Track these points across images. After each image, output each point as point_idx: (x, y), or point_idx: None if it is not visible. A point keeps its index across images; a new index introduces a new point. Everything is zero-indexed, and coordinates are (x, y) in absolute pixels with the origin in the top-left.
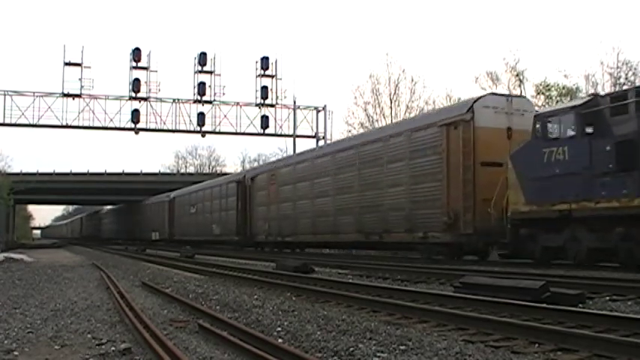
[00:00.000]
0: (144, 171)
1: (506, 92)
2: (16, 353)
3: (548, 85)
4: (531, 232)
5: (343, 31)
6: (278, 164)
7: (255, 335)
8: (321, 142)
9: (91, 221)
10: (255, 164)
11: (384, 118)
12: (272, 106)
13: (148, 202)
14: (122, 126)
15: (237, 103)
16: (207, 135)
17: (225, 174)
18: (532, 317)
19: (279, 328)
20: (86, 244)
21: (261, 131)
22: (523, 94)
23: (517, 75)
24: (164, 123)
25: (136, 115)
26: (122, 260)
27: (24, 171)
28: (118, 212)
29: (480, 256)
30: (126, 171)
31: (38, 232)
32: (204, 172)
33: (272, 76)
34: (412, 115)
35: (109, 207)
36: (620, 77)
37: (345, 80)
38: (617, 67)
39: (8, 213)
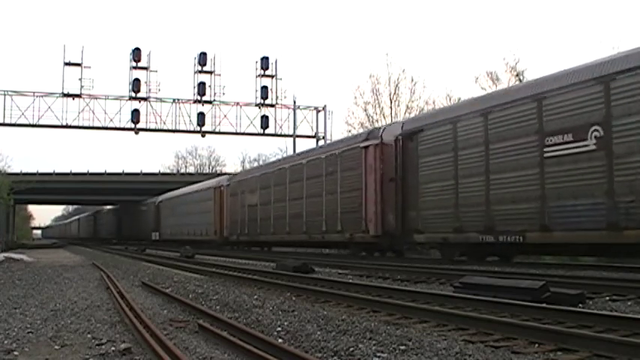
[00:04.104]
0: (144, 171)
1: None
2: (16, 353)
3: None
4: None
5: (343, 32)
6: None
7: (255, 335)
8: (321, 142)
9: (127, 215)
10: (255, 164)
11: (384, 118)
12: (272, 106)
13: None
14: (122, 126)
15: (237, 103)
16: (207, 135)
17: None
18: (532, 317)
19: (279, 328)
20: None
21: (261, 131)
22: None
23: (517, 75)
24: (164, 123)
25: (135, 115)
26: (122, 260)
27: (24, 171)
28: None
29: None
30: (126, 171)
31: (38, 232)
32: (204, 172)
33: (272, 76)
34: (412, 114)
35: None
36: None
37: (345, 80)
38: None
39: (8, 213)
